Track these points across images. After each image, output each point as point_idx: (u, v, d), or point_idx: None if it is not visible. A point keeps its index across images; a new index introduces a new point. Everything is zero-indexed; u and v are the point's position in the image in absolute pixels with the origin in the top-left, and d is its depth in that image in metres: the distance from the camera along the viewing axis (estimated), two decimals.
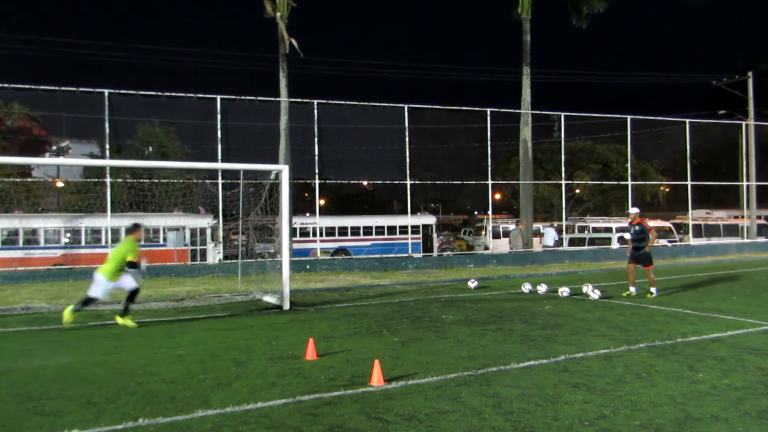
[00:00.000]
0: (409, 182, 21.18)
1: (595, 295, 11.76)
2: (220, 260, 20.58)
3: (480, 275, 17.08)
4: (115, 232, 20.08)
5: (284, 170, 11.80)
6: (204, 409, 4.91)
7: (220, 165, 17.87)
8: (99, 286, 9.07)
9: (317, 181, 20.45)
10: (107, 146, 18.87)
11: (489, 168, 22.52)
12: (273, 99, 20.84)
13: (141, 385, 5.73)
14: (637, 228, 12.26)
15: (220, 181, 18.78)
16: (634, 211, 12.54)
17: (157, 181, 19.53)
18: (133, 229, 9.55)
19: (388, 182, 22.54)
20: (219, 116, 19.07)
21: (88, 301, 9.10)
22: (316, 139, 20.25)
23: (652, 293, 11.88)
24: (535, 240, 24.70)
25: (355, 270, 19.41)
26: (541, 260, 22.03)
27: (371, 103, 20.80)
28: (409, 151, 21.08)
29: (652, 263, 12.20)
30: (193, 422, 4.62)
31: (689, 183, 25.53)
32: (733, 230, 29.66)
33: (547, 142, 34.62)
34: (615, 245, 24.51)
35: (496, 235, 27.39)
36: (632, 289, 12.26)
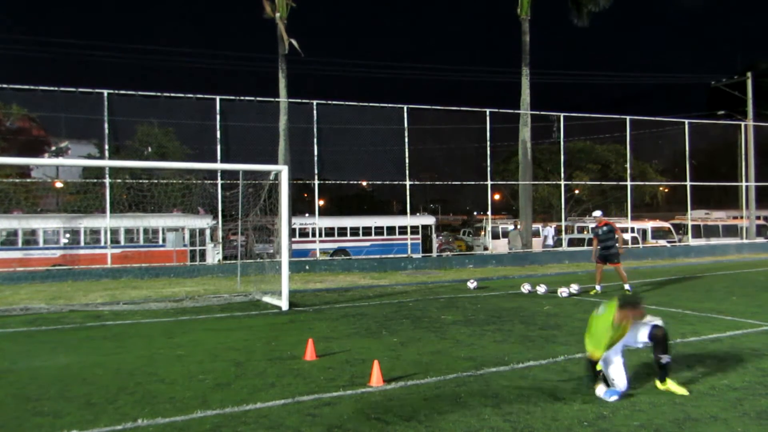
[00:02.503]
0: (408, 183, 21.17)
1: (572, 290, 12.58)
2: (219, 261, 20.56)
3: (479, 276, 17.07)
4: (114, 232, 20.07)
5: (283, 171, 11.80)
6: (203, 410, 4.91)
7: (219, 165, 17.86)
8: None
9: (316, 182, 20.44)
10: (106, 147, 18.84)
11: (488, 168, 22.52)
12: (272, 99, 20.84)
13: (140, 385, 5.73)
14: (605, 228, 12.91)
15: (219, 181, 18.76)
16: (598, 214, 13.42)
17: (156, 181, 19.51)
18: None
19: (387, 183, 22.53)
20: (218, 116, 19.06)
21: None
22: (315, 140, 20.24)
23: (627, 290, 12.50)
24: (535, 240, 24.71)
25: (354, 270, 19.41)
26: (541, 261, 22.03)
27: (370, 104, 20.81)
28: (409, 152, 21.07)
29: (620, 261, 12.86)
30: (193, 423, 4.62)
31: (688, 183, 25.54)
32: (732, 231, 29.68)
33: (546, 142, 34.63)
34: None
35: (495, 236, 27.39)
36: (598, 287, 12.80)
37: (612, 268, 12.98)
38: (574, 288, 12.54)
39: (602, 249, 12.89)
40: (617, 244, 12.87)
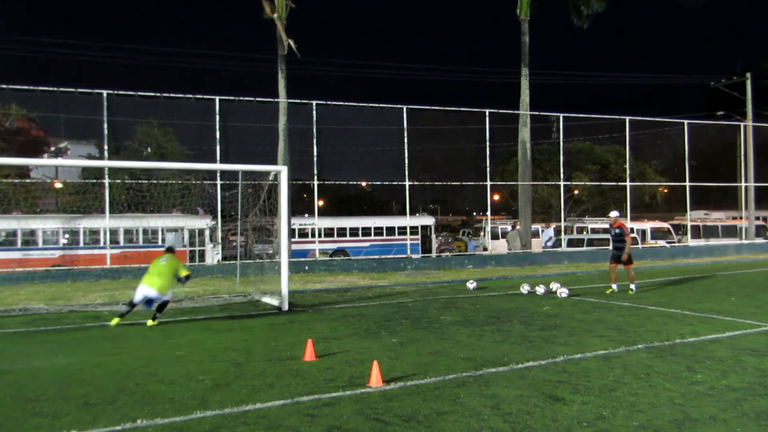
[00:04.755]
0: (407, 183, 21.18)
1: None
2: (218, 261, 20.55)
3: (478, 276, 17.08)
4: (114, 233, 20.05)
5: (283, 171, 11.80)
6: (202, 410, 4.90)
7: (218, 166, 17.86)
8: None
9: (316, 182, 20.45)
10: (105, 147, 18.84)
11: (488, 169, 22.54)
12: (272, 100, 20.85)
13: (139, 386, 5.73)
14: (617, 231, 13.25)
15: (218, 182, 18.77)
16: (614, 214, 13.60)
17: (155, 182, 19.50)
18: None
19: (386, 183, 22.55)
20: (218, 117, 19.07)
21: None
22: (314, 140, 20.24)
23: (632, 290, 12.79)
24: (535, 241, 24.71)
25: (353, 271, 19.41)
26: (540, 261, 22.04)
27: (370, 104, 20.81)
28: (408, 152, 21.08)
29: (632, 262, 13.07)
30: (192, 423, 4.61)
31: (687, 184, 25.56)
32: (731, 231, 29.70)
33: (545, 143, 34.57)
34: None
35: (494, 236, 27.40)
36: (614, 286, 13.01)
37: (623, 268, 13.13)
38: (547, 287, 12.81)
39: (614, 249, 13.25)
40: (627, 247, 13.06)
